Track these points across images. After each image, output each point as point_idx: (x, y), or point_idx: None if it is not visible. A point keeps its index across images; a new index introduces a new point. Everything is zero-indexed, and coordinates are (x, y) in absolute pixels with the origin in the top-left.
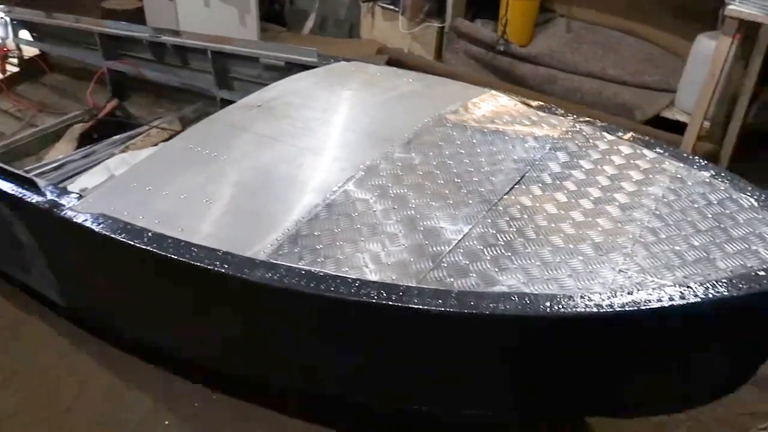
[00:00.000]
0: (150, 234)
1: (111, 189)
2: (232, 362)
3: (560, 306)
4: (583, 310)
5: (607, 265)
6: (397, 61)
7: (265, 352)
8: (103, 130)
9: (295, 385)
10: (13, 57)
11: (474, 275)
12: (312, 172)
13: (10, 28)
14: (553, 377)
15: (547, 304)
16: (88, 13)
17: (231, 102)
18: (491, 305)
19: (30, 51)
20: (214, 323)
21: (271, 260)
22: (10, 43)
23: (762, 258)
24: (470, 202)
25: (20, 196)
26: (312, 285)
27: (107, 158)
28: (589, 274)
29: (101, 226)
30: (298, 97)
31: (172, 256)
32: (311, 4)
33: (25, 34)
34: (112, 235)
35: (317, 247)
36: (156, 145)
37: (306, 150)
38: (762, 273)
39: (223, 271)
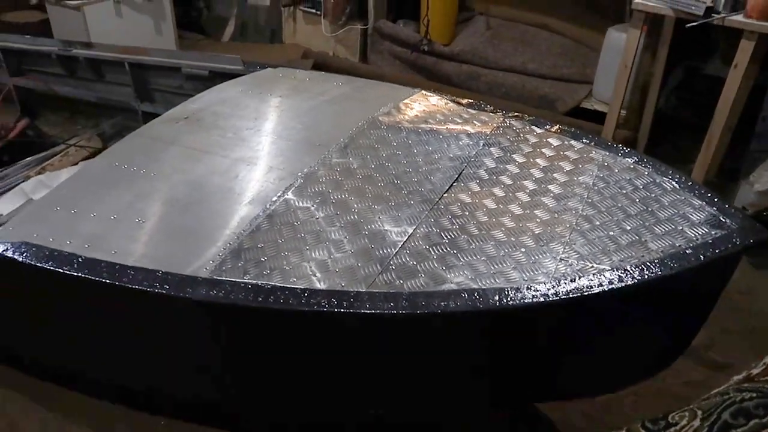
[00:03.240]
0: (80, 259)
1: (32, 214)
2: (181, 388)
3: (509, 298)
4: (530, 300)
5: (548, 255)
6: (322, 64)
7: (214, 374)
8: (15, 152)
9: (248, 408)
10: None
11: (423, 275)
12: (248, 183)
13: None
14: (506, 369)
15: (496, 297)
16: None
17: (153, 115)
18: (442, 304)
19: None
20: (157, 349)
21: (215, 276)
22: None
23: (688, 237)
24: (412, 202)
25: None
26: (260, 299)
27: (22, 181)
28: (533, 264)
29: (25, 255)
30: (226, 106)
31: (108, 281)
32: (230, 10)
33: None
34: (38, 264)
35: (262, 259)
36: (76, 164)
37: (239, 161)
38: (689, 251)
39: (163, 292)
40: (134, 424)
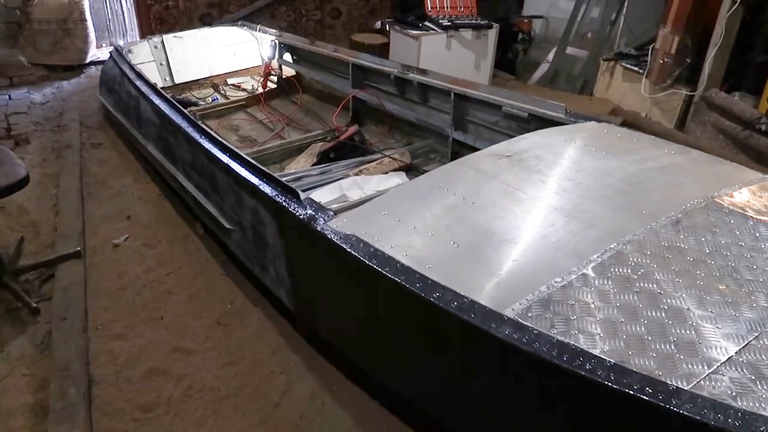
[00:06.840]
0: (399, 265)
1: (363, 213)
2: (445, 411)
3: None
4: None
5: None
6: (632, 124)
7: (485, 412)
8: (340, 152)
9: None
10: (274, 75)
11: (761, 395)
12: (565, 234)
13: (277, 50)
14: None
15: None
16: (339, 44)
17: (462, 143)
18: None
19: (288, 72)
20: (440, 369)
21: (520, 320)
22: (275, 63)
23: None
24: (754, 305)
25: (282, 203)
26: (565, 358)
27: (341, 178)
28: None
29: (352, 246)
30: (548, 152)
31: (418, 293)
32: (545, 56)
33: (287, 57)
34: (362, 258)
35: (571, 317)
36: (386, 173)
37: (558, 210)
38: None
39: (467, 319)
40: (389, 426)
